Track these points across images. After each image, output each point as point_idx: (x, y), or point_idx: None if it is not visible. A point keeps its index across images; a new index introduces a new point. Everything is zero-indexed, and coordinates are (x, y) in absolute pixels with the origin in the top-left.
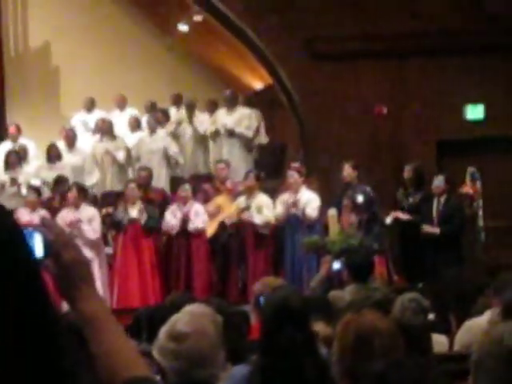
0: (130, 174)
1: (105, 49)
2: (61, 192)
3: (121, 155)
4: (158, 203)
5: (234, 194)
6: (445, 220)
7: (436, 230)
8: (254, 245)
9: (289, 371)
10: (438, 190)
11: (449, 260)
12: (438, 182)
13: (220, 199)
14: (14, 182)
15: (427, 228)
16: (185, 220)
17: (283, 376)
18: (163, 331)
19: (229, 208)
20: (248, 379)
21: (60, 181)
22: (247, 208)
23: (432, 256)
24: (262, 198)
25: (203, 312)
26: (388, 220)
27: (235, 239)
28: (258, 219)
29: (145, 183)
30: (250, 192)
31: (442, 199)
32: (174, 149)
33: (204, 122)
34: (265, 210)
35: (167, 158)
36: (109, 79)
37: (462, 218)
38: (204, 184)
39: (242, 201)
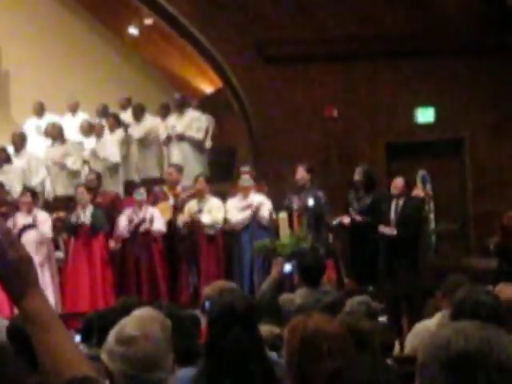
0: (83, 177)
1: (56, 53)
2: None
3: (70, 160)
4: (106, 207)
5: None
6: (403, 222)
7: (393, 232)
8: (207, 249)
9: (234, 374)
10: (397, 191)
11: (401, 263)
12: (398, 183)
13: (162, 205)
14: None
15: (384, 229)
16: (140, 224)
17: (229, 379)
18: (112, 335)
19: (167, 214)
20: (194, 382)
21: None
22: (199, 211)
23: (384, 259)
24: (213, 202)
25: (152, 316)
26: (345, 220)
27: (187, 243)
28: (205, 219)
29: (93, 186)
30: (200, 195)
31: (401, 201)
32: (115, 155)
33: (153, 125)
34: (214, 212)
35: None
36: (60, 84)
37: (419, 221)
38: (154, 187)
39: (193, 205)
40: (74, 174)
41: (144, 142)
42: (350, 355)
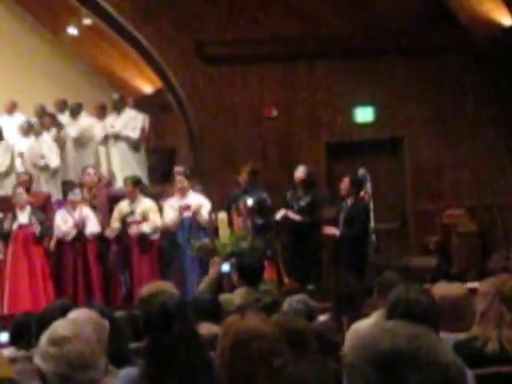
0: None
1: None
2: None
3: (4, 161)
4: (38, 207)
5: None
6: (349, 221)
7: (335, 232)
8: (139, 250)
9: (177, 370)
10: (343, 192)
11: (345, 262)
12: (343, 184)
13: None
14: None
15: (328, 230)
16: (78, 225)
17: (172, 376)
18: (45, 336)
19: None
20: (137, 382)
21: None
22: (131, 213)
23: (328, 257)
24: (146, 203)
25: (86, 317)
26: (277, 216)
27: (119, 245)
28: (146, 227)
29: (26, 187)
30: (131, 198)
31: (349, 201)
32: (46, 154)
33: (90, 125)
34: (151, 214)
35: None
36: None
37: (365, 222)
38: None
39: (124, 206)
40: (3, 175)
41: (80, 142)
42: (282, 356)
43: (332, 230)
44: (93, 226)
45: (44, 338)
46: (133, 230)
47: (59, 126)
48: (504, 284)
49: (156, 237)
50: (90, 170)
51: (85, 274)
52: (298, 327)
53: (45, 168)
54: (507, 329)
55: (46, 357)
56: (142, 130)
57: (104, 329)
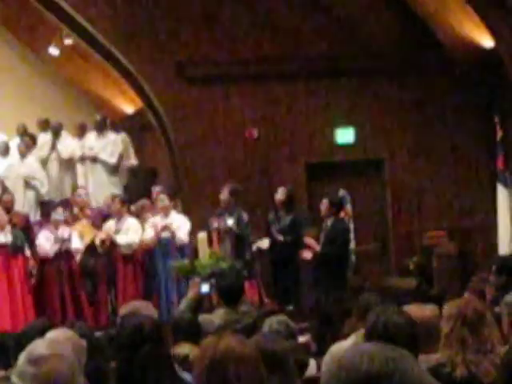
0: None
1: None
2: None
3: None
4: (20, 227)
5: (95, 220)
6: (329, 242)
7: (309, 255)
8: (124, 269)
9: None
10: (323, 213)
11: (325, 282)
12: (322, 205)
13: (80, 226)
14: None
15: (305, 254)
16: (63, 243)
17: None
18: (23, 355)
19: (89, 234)
20: None
21: None
22: (117, 232)
23: (304, 278)
24: (131, 222)
25: (64, 336)
26: (264, 245)
27: (104, 263)
28: (120, 239)
29: (8, 207)
30: (118, 216)
31: (329, 222)
32: (38, 177)
33: (70, 146)
34: (130, 232)
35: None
36: None
37: (346, 243)
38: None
39: (111, 224)
40: None
41: (62, 161)
42: (259, 378)
43: (307, 254)
44: (77, 243)
45: (22, 358)
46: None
47: (52, 145)
48: (467, 306)
49: (128, 251)
50: (82, 191)
51: (71, 293)
52: (278, 349)
53: (32, 189)
54: (471, 353)
55: (24, 376)
56: (121, 155)
57: (82, 348)
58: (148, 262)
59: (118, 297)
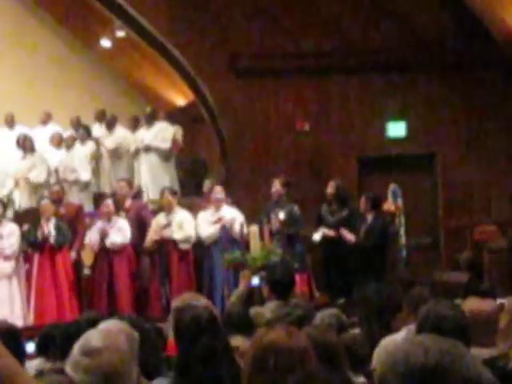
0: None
1: (27, 64)
2: None
3: (34, 173)
4: (69, 219)
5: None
6: (368, 236)
7: (351, 238)
8: (178, 261)
9: (208, 381)
10: (362, 208)
11: (371, 276)
12: (361, 202)
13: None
14: None
15: (345, 233)
16: (103, 236)
17: None
18: (76, 347)
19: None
20: None
21: None
22: (168, 224)
23: (354, 272)
24: (182, 214)
25: (117, 328)
26: (316, 237)
27: (158, 256)
28: (177, 235)
29: (57, 199)
30: (168, 209)
31: (369, 218)
32: (86, 175)
33: (123, 138)
34: (185, 225)
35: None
36: (31, 95)
37: (384, 237)
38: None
39: (161, 218)
40: (38, 187)
41: (115, 154)
42: (308, 370)
43: (349, 236)
44: (118, 237)
45: (76, 349)
46: (166, 234)
47: (96, 139)
48: None
49: (186, 246)
50: (122, 183)
51: (117, 285)
52: (330, 341)
53: (76, 182)
54: None
55: (78, 368)
56: (174, 141)
57: (135, 340)
58: (201, 256)
59: (171, 289)
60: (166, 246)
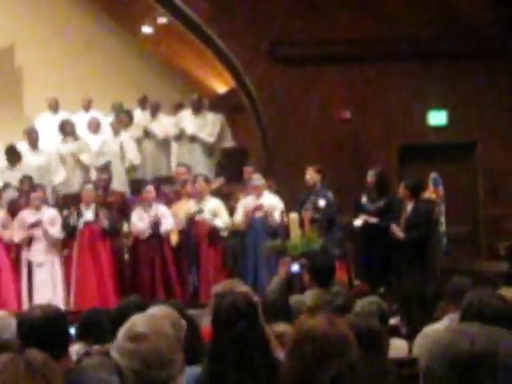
0: (93, 176)
1: (69, 50)
2: (26, 192)
3: (85, 157)
4: (116, 206)
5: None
6: (411, 226)
7: (400, 235)
8: (207, 248)
9: (240, 370)
10: (401, 196)
11: (412, 265)
12: (400, 189)
13: (179, 204)
14: None
15: (395, 229)
16: (155, 223)
17: (234, 375)
18: (122, 332)
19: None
20: (200, 380)
21: (25, 181)
22: (200, 211)
23: (395, 261)
24: (214, 202)
25: (164, 313)
26: (357, 222)
27: (187, 243)
28: (219, 222)
29: (103, 185)
30: (200, 196)
31: (410, 205)
32: (132, 153)
33: (166, 125)
34: (221, 213)
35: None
36: (73, 81)
37: (428, 225)
38: (164, 187)
39: (191, 204)
40: (86, 170)
41: (159, 140)
42: (349, 358)
43: (398, 232)
44: (167, 224)
45: (121, 334)
46: (204, 227)
47: (144, 126)
48: None
49: (225, 234)
50: (182, 169)
51: (162, 272)
52: (373, 328)
53: (131, 168)
54: None
55: (123, 352)
56: (219, 134)
57: (181, 326)
58: (234, 242)
59: (200, 276)
60: (194, 232)
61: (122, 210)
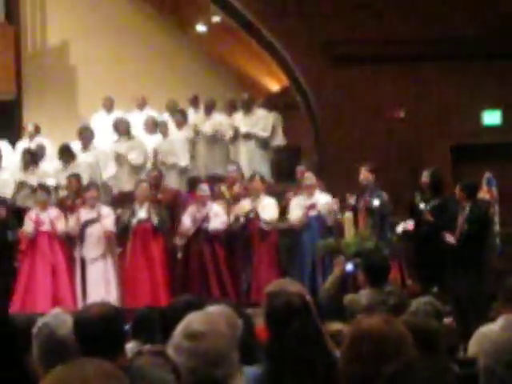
0: (145, 173)
1: (123, 49)
2: (74, 190)
3: (134, 154)
4: (167, 204)
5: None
6: (468, 226)
7: (452, 241)
8: (260, 246)
9: (297, 368)
10: (458, 197)
11: (466, 265)
12: (456, 191)
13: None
14: (22, 185)
15: (448, 237)
16: (203, 221)
17: (291, 373)
18: (179, 330)
19: (238, 210)
20: (259, 380)
21: (72, 179)
22: (253, 210)
23: (450, 261)
24: (267, 201)
25: (221, 312)
26: (399, 229)
27: (240, 241)
28: (264, 215)
29: (154, 183)
30: (255, 194)
31: (467, 206)
32: (182, 153)
33: (220, 123)
34: (269, 209)
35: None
36: (127, 80)
37: (484, 224)
38: (217, 185)
39: (247, 203)
40: (136, 170)
41: (211, 139)
42: (406, 358)
43: (451, 239)
44: (216, 223)
45: (178, 332)
46: (257, 226)
47: (194, 125)
48: None
49: (268, 228)
50: (233, 167)
51: (214, 270)
52: (429, 328)
53: (174, 166)
54: None
55: (181, 351)
56: (273, 129)
57: (238, 325)
58: (288, 241)
59: (253, 275)
60: (249, 230)
61: (173, 207)
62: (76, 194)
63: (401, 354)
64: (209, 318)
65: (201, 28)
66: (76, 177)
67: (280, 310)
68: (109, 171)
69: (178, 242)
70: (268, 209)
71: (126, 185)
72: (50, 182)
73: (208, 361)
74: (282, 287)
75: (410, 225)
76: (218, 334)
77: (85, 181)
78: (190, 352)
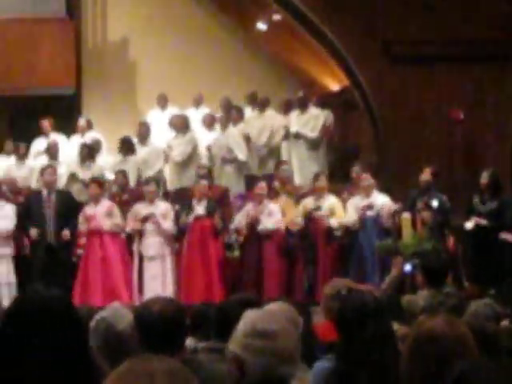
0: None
1: (183, 46)
2: (120, 184)
3: (176, 151)
4: (215, 200)
5: (297, 196)
6: None
7: (510, 239)
8: (324, 247)
9: (370, 367)
10: None
11: None
12: None
13: (281, 201)
14: (73, 177)
15: (506, 235)
16: (255, 220)
17: (364, 372)
18: (244, 328)
19: (290, 211)
20: (329, 376)
21: (119, 175)
22: (318, 208)
23: (508, 263)
24: (333, 200)
25: (281, 310)
26: (469, 225)
27: (304, 240)
28: (334, 222)
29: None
30: (319, 193)
31: None
32: (239, 149)
33: (274, 121)
34: (337, 210)
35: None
36: (186, 76)
37: None
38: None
39: (310, 202)
40: (185, 166)
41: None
42: (471, 359)
43: (510, 237)
44: (270, 222)
45: (244, 330)
46: (321, 225)
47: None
48: None
49: (339, 233)
50: (285, 166)
51: (266, 269)
52: (491, 330)
53: (231, 161)
54: None
55: (250, 349)
56: (325, 127)
57: (299, 323)
58: (347, 241)
59: (316, 275)
60: (313, 229)
61: (219, 204)
62: (122, 190)
63: (463, 355)
64: (276, 316)
65: (261, 26)
66: (122, 173)
67: (353, 310)
68: (155, 168)
69: (238, 238)
70: (337, 211)
71: (174, 182)
72: (108, 175)
73: (280, 359)
74: (343, 288)
75: (469, 224)
76: (289, 332)
77: (133, 175)
78: (262, 350)
